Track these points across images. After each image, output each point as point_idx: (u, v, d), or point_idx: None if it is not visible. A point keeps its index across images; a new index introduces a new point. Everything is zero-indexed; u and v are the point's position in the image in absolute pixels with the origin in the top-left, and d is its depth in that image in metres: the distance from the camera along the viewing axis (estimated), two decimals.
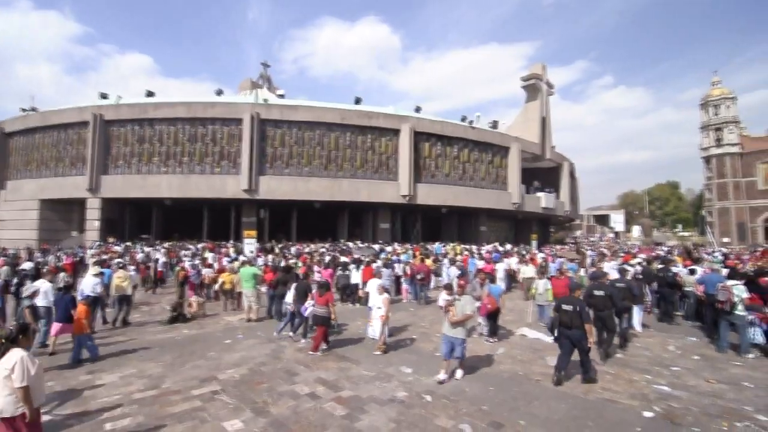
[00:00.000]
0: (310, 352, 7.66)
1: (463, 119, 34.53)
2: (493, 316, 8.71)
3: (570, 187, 44.95)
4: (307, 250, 21.90)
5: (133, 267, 14.06)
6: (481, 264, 14.59)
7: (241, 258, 16.26)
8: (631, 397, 5.70)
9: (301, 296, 8.52)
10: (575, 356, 6.23)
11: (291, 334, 8.81)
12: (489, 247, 27.27)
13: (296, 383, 6.16)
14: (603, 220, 77.94)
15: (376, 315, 8.12)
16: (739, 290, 7.72)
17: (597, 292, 7.48)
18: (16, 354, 3.51)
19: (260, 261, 16.31)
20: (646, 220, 74.46)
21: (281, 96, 32.98)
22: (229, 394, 5.74)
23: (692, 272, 10.91)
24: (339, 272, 12.84)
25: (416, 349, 8.14)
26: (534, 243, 32.75)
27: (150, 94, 30.11)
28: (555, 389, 6.01)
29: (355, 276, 13.13)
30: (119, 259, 14.96)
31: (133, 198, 27.42)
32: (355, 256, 17.16)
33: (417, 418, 5.02)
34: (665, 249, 23.73)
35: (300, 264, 14.32)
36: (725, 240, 46.78)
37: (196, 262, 14.67)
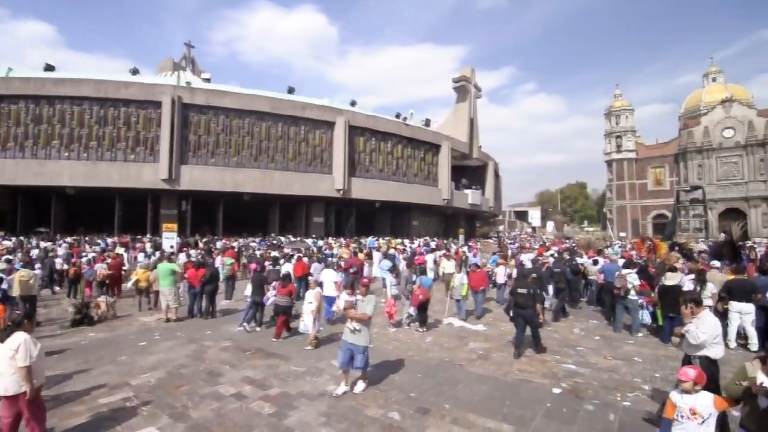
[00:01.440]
0: (273, 339, 8.07)
1: (397, 116, 35.17)
2: (423, 306, 9.01)
3: (494, 185, 48.01)
4: (234, 244, 20.84)
5: (39, 265, 12.34)
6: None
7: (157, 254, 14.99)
8: (543, 376, 6.26)
9: (257, 288, 8.99)
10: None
11: (246, 325, 8.91)
12: (420, 240, 28.16)
13: (220, 384, 5.85)
14: (522, 215, 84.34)
15: (308, 310, 7.99)
16: (632, 278, 8.81)
17: (533, 276, 8.69)
18: (20, 336, 3.82)
19: (182, 257, 15.18)
20: (558, 216, 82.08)
21: (207, 80, 30.78)
22: (144, 400, 5.28)
23: (595, 262, 12.24)
24: (269, 267, 12.40)
25: None
26: (461, 237, 34.45)
27: (49, 68, 26.45)
28: (478, 373, 6.40)
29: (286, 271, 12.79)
30: (8, 255, 13.03)
31: (28, 186, 23.93)
32: (286, 250, 16.71)
33: (347, 410, 5.03)
34: (573, 242, 26.36)
35: (230, 261, 13.53)
36: (622, 234, 53.07)
37: (104, 255, 13.26)
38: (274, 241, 23.15)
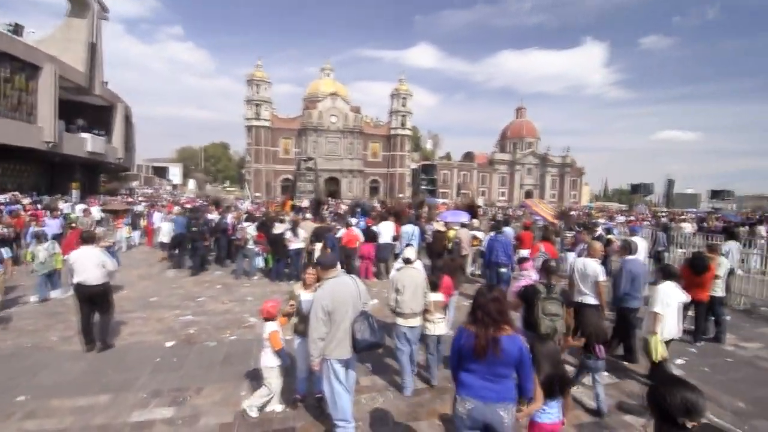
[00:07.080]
0: None
1: None
2: None
3: (126, 132, 40.90)
4: None
5: None
6: None
7: None
8: (157, 333, 6.14)
9: None
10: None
11: None
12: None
13: None
14: (161, 172, 77.43)
15: None
16: (251, 230, 10.05)
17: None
18: None
19: None
20: (200, 174, 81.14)
21: None
22: None
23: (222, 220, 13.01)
24: None
25: None
26: (75, 193, 27.62)
27: None
28: (73, 351, 5.43)
29: None
30: None
31: None
32: None
33: None
34: (204, 201, 27.18)
35: None
36: (257, 194, 59.33)
37: None
38: None
